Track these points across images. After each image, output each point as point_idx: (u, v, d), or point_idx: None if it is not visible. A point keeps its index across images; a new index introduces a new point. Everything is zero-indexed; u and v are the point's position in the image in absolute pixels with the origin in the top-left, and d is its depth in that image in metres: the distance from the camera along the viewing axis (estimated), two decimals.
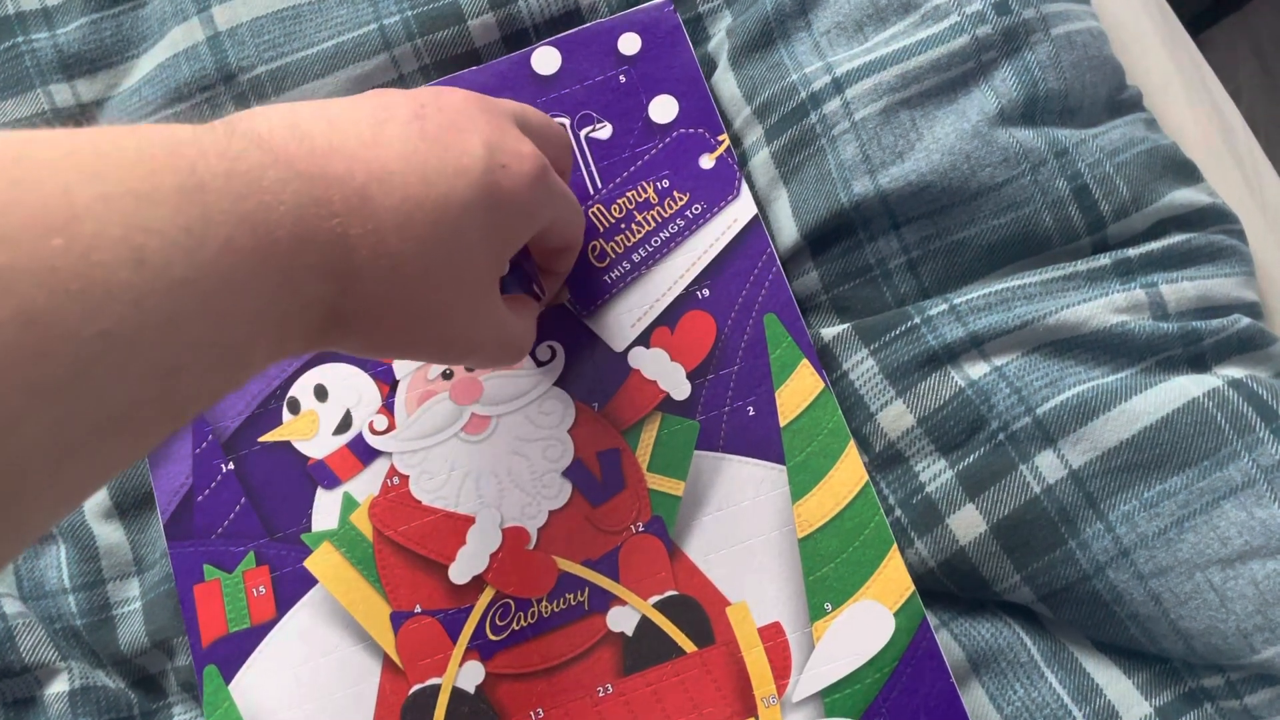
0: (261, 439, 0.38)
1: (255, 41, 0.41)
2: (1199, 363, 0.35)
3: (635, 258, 0.38)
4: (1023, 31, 0.37)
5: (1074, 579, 0.33)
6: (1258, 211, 0.41)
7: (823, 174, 0.37)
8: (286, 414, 0.38)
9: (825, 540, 0.35)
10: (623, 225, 0.39)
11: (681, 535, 0.36)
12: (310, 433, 0.38)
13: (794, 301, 0.38)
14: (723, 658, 0.35)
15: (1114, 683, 0.34)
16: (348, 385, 0.38)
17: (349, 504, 0.37)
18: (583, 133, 0.40)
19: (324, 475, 0.37)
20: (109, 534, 0.39)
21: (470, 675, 0.35)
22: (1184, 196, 0.37)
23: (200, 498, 0.37)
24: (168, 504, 0.37)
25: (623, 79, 0.40)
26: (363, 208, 0.22)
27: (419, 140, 0.24)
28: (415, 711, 0.35)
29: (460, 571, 0.36)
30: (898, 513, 0.36)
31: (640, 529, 0.36)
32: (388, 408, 0.38)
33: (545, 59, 0.40)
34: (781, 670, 0.34)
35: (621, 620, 0.35)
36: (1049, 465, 0.34)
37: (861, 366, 0.36)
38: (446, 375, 0.38)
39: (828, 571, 0.35)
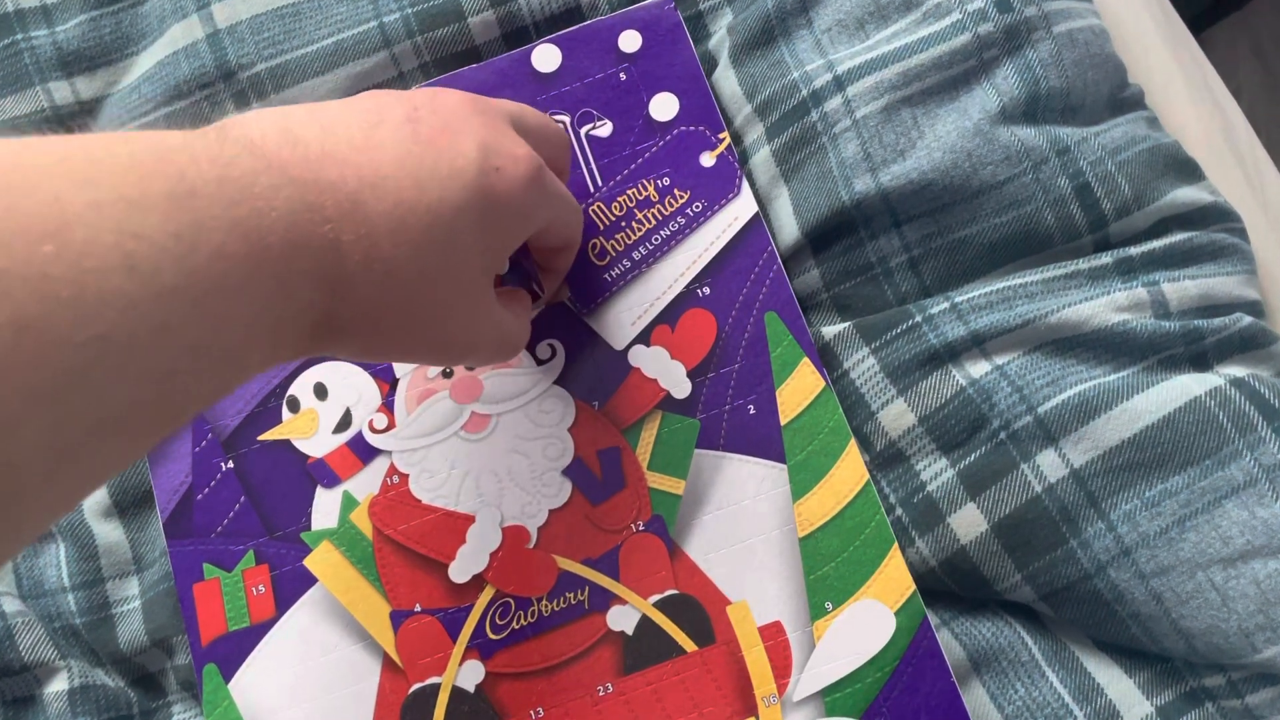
0: (261, 437, 0.38)
1: (255, 39, 0.41)
2: (1201, 361, 0.35)
3: (635, 256, 0.38)
4: (1024, 29, 0.37)
5: (1075, 578, 0.33)
6: (1259, 210, 0.41)
7: (824, 172, 0.37)
8: (286, 412, 0.38)
9: (826, 539, 0.35)
10: (623, 223, 0.39)
11: (682, 534, 0.36)
12: (310, 431, 0.38)
13: (795, 300, 0.38)
14: (723, 657, 0.35)
15: (1115, 682, 0.34)
16: (347, 383, 0.38)
17: (349, 503, 0.37)
18: (583, 130, 0.40)
19: (324, 474, 0.37)
20: (108, 532, 0.39)
21: (470, 674, 0.35)
22: (1186, 195, 0.37)
23: (200, 496, 0.37)
24: (167, 502, 0.37)
25: (623, 76, 0.40)
26: (355, 213, 0.22)
27: (412, 143, 0.24)
28: (415, 710, 0.35)
29: (460, 570, 0.36)
30: (899, 512, 0.36)
31: (640, 528, 0.36)
32: (387, 406, 0.38)
33: (545, 56, 0.40)
34: (782, 669, 0.34)
35: (622, 619, 0.35)
36: (1050, 464, 0.33)
37: (862, 365, 0.36)
38: (446, 374, 0.38)
39: (828, 570, 0.35)
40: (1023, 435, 0.34)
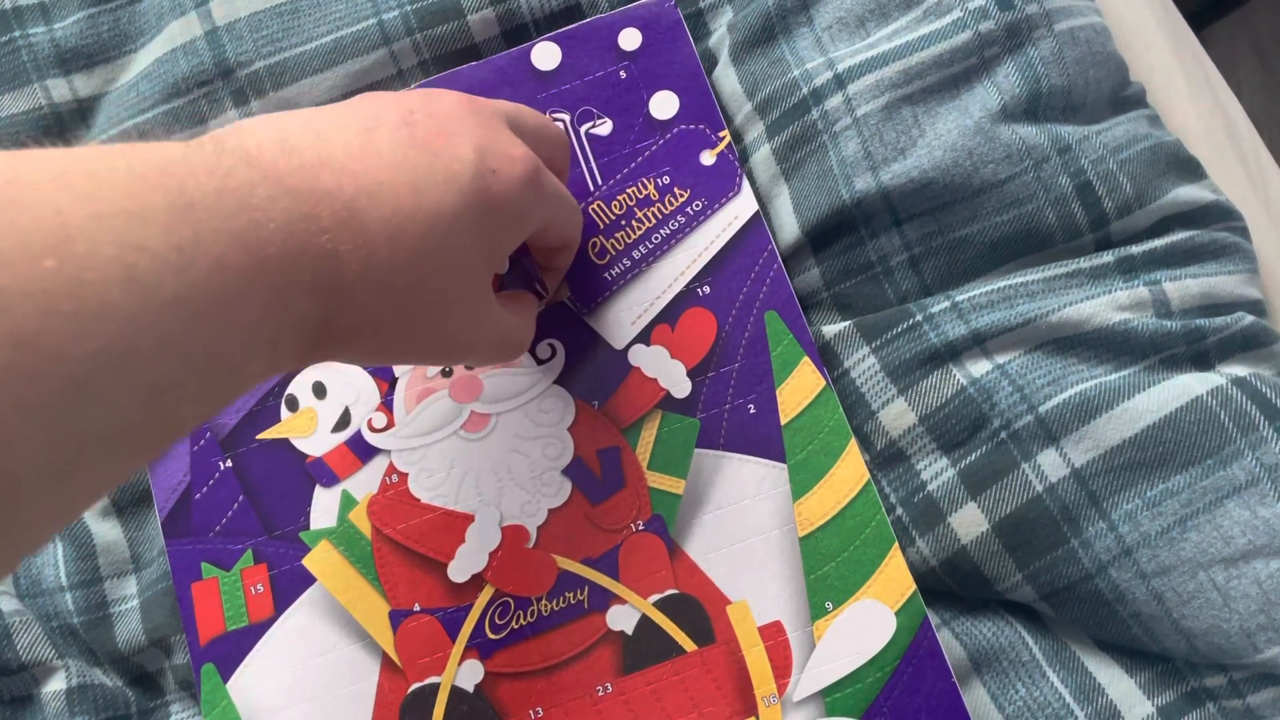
0: (260, 436, 0.38)
1: (253, 36, 0.41)
2: (1202, 361, 0.35)
3: (635, 255, 0.38)
4: (1026, 27, 0.37)
5: (1076, 578, 0.33)
6: (1261, 208, 0.41)
7: (824, 170, 0.37)
8: (285, 411, 0.38)
9: (826, 539, 0.35)
10: (623, 222, 0.39)
11: (682, 534, 0.36)
12: (309, 430, 0.38)
13: (795, 299, 0.37)
14: (723, 657, 0.35)
15: (1116, 682, 0.34)
16: (346, 383, 0.38)
17: (347, 502, 0.37)
18: (583, 129, 0.40)
19: (322, 473, 0.37)
20: (106, 531, 0.39)
21: (469, 674, 0.35)
22: (1187, 193, 0.37)
23: (198, 495, 0.37)
24: (165, 501, 0.37)
25: (623, 75, 0.40)
26: (351, 221, 0.22)
27: (408, 148, 0.24)
28: (414, 710, 0.35)
29: (459, 570, 0.36)
30: (899, 511, 0.35)
31: (640, 527, 0.36)
32: (386, 405, 0.38)
33: (545, 54, 0.40)
34: (782, 669, 0.34)
35: (621, 619, 0.35)
36: (1051, 464, 0.33)
37: (863, 364, 0.36)
38: (446, 373, 0.38)
39: (829, 570, 0.35)
40: (1024, 434, 0.34)
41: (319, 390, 0.38)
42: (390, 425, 0.37)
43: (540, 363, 0.38)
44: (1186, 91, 0.42)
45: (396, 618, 0.36)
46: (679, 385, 0.37)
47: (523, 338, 0.31)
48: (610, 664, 0.35)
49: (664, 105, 0.39)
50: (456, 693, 0.35)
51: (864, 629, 0.34)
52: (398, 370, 0.38)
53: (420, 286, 0.24)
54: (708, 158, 0.39)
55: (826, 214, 0.37)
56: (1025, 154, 0.36)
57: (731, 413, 0.37)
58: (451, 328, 0.27)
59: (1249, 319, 0.36)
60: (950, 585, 0.35)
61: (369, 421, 0.38)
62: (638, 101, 0.40)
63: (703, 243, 0.38)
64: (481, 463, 0.37)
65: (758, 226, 0.38)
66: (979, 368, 0.35)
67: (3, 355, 0.15)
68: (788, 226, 0.38)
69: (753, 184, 0.39)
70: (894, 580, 0.35)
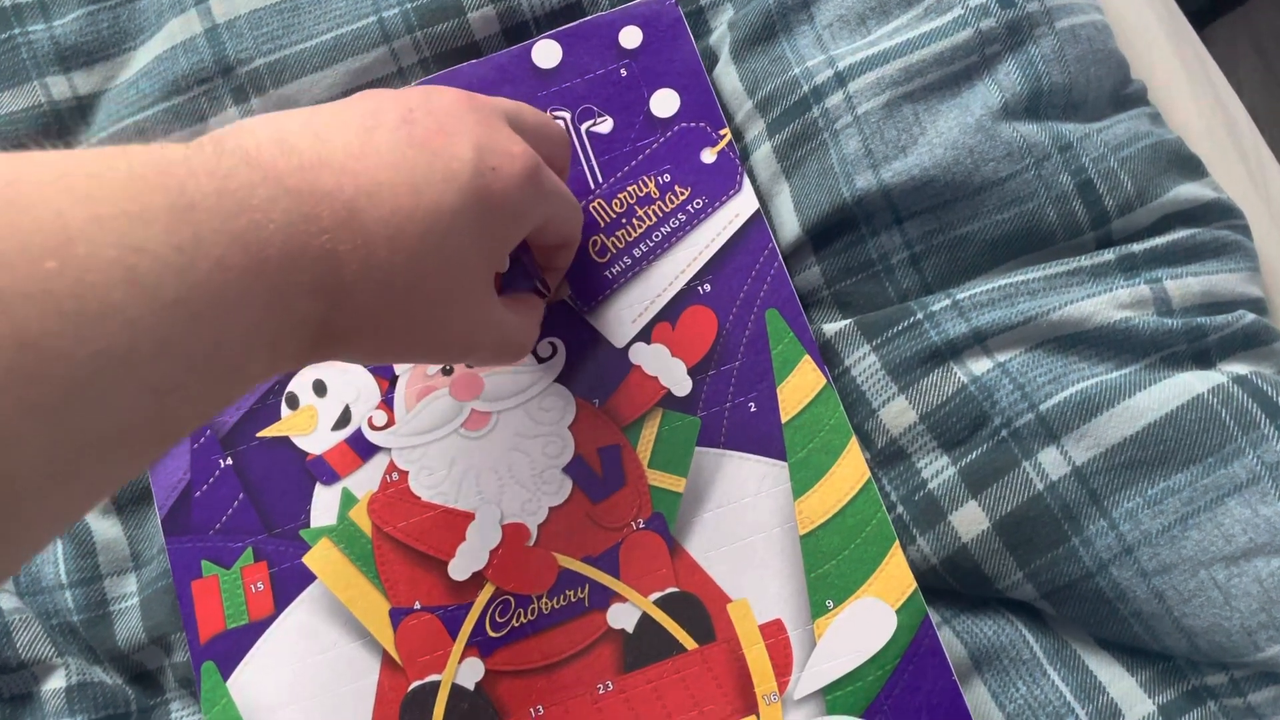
0: (260, 434, 0.38)
1: (253, 34, 0.41)
2: (1203, 359, 0.35)
3: (636, 253, 0.38)
4: (1027, 25, 0.37)
5: (1077, 576, 0.33)
6: (1262, 206, 0.41)
7: (825, 168, 0.37)
8: (285, 409, 0.38)
9: (827, 537, 0.35)
10: (624, 220, 0.39)
11: (682, 532, 0.36)
12: (309, 428, 0.38)
13: (796, 297, 0.37)
14: (724, 655, 0.35)
15: (1117, 680, 0.34)
16: (347, 380, 0.38)
17: (348, 500, 0.37)
18: (583, 127, 0.39)
19: (323, 471, 0.37)
20: (106, 529, 0.39)
21: (470, 672, 0.35)
22: (1189, 191, 0.37)
23: (198, 493, 0.37)
24: (165, 499, 0.37)
25: (624, 73, 0.40)
26: (351, 221, 0.22)
27: (407, 147, 0.24)
28: (414, 708, 0.35)
29: (460, 568, 0.36)
30: (900, 509, 0.35)
31: (641, 525, 0.36)
32: (387, 403, 0.38)
33: (546, 52, 0.40)
34: (783, 667, 0.34)
35: (622, 617, 0.35)
36: (1052, 462, 0.33)
37: (864, 362, 0.36)
38: (446, 371, 0.38)
39: (829, 568, 0.35)
40: (1024, 433, 0.34)
41: (319, 388, 0.38)
42: (391, 423, 0.37)
43: (541, 361, 0.38)
44: (1187, 89, 0.42)
45: (397, 616, 0.36)
46: (680, 383, 0.37)
47: (525, 339, 0.31)
48: (611, 662, 0.35)
49: (665, 103, 0.39)
50: (457, 691, 0.35)
51: (865, 627, 0.34)
52: (398, 368, 0.38)
53: (420, 286, 0.24)
54: (708, 156, 0.39)
55: (827, 212, 0.37)
56: (1026, 152, 0.36)
57: (732, 411, 0.36)
58: (452, 327, 0.27)
59: (1250, 317, 0.36)
60: (951, 583, 0.35)
61: (369, 419, 0.38)
62: (638, 99, 0.39)
63: (703, 241, 0.38)
64: (482, 461, 0.37)
65: (758, 224, 0.38)
66: (980, 366, 0.35)
67: (4, 356, 0.15)
68: (788, 224, 0.38)
69: (753, 182, 0.39)
70: (895, 578, 0.35)
